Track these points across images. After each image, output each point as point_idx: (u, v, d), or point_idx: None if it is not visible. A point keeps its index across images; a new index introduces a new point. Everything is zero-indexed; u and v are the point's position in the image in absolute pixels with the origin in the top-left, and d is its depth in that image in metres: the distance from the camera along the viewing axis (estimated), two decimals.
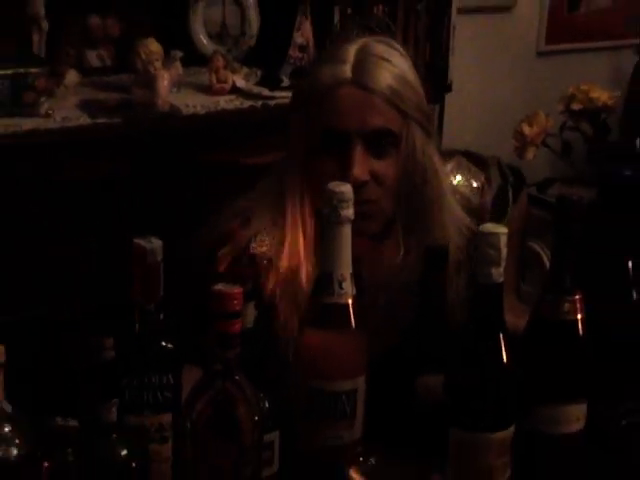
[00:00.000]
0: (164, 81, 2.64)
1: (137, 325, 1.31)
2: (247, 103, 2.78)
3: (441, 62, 3.22)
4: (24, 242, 2.48)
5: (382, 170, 1.61)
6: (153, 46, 2.70)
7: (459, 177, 1.76)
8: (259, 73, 2.92)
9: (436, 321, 1.42)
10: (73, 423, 1.28)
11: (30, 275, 2.50)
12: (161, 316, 1.31)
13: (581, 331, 1.36)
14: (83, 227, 2.54)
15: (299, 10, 2.92)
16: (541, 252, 3.19)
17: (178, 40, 2.87)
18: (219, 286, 1.22)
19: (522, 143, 3.38)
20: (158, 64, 2.67)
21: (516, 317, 1.39)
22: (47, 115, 2.51)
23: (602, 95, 3.41)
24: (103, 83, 2.81)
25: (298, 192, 1.64)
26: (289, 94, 1.89)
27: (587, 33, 3.78)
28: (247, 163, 2.57)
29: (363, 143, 1.60)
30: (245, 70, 2.91)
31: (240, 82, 2.83)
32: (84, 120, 2.56)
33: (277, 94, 2.78)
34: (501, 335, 1.29)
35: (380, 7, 3.06)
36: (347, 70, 1.60)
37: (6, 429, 1.21)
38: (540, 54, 3.74)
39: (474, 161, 1.79)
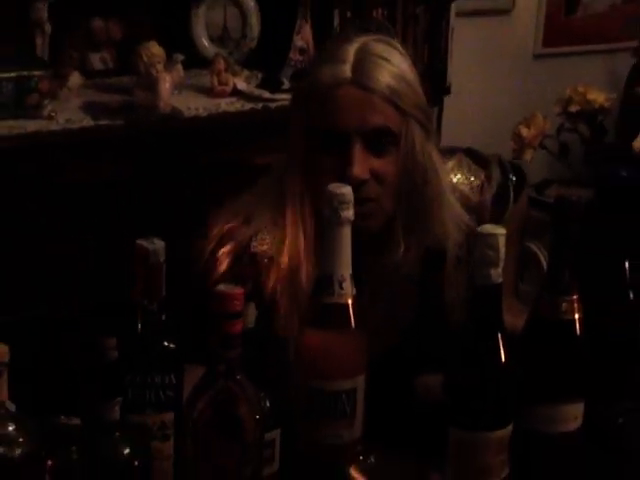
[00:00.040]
0: (166, 83, 2.65)
1: (139, 325, 1.32)
2: (248, 105, 2.79)
3: (440, 65, 3.22)
4: (27, 243, 2.48)
5: (382, 168, 1.62)
6: (155, 49, 2.70)
7: (459, 175, 1.74)
8: (260, 76, 2.92)
9: (435, 321, 1.43)
10: (76, 422, 1.29)
11: (34, 276, 2.50)
12: (163, 316, 1.32)
13: (578, 331, 1.36)
14: (86, 228, 2.54)
15: (299, 13, 2.92)
16: (539, 252, 3.19)
17: (180, 43, 2.88)
18: (220, 287, 1.22)
19: (520, 145, 3.38)
20: (160, 67, 2.67)
21: (514, 317, 1.39)
22: (50, 117, 2.52)
23: (599, 97, 3.41)
24: (106, 85, 2.82)
25: (298, 191, 1.64)
26: (289, 96, 1.90)
27: (584, 36, 3.79)
28: (248, 165, 2.58)
29: (363, 142, 1.60)
30: (246, 73, 2.92)
31: (241, 85, 2.83)
32: (87, 122, 2.56)
33: (278, 96, 2.78)
34: (500, 335, 1.29)
35: (379, 10, 3.06)
36: (347, 70, 1.61)
37: (10, 428, 1.21)
38: (537, 57, 3.75)
39: (475, 159, 1.78)
